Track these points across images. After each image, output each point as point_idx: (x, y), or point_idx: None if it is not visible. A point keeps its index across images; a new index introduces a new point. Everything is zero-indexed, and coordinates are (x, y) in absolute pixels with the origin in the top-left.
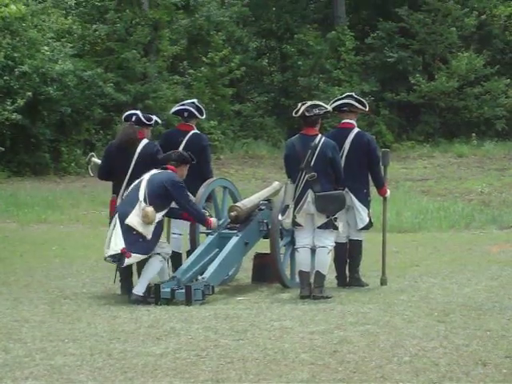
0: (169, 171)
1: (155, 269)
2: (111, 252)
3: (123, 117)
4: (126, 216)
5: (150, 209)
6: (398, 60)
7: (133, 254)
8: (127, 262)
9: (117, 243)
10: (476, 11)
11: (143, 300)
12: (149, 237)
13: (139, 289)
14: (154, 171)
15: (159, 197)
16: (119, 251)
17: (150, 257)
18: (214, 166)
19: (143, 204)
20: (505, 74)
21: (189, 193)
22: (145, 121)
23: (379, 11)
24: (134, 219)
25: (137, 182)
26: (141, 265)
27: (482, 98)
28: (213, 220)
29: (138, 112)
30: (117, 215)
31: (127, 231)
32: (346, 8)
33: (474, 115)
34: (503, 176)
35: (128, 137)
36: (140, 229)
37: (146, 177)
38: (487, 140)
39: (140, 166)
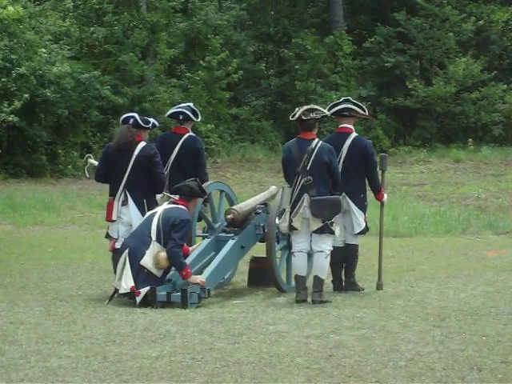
0: (181, 207)
1: None
2: (123, 291)
3: (121, 119)
4: (138, 254)
5: (163, 255)
6: (395, 65)
7: (141, 290)
8: (138, 299)
9: (127, 282)
10: (474, 17)
11: None
12: (159, 275)
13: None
14: (166, 206)
15: (169, 233)
16: (129, 290)
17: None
18: (210, 170)
19: (157, 245)
20: (502, 79)
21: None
22: (142, 124)
23: (377, 16)
24: (149, 261)
25: (149, 214)
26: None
27: (479, 103)
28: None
29: (136, 115)
30: (127, 251)
31: (138, 269)
32: (343, 12)
33: (471, 120)
34: (500, 181)
35: (125, 139)
36: (153, 270)
37: (158, 211)
38: (484, 145)
39: (137, 169)
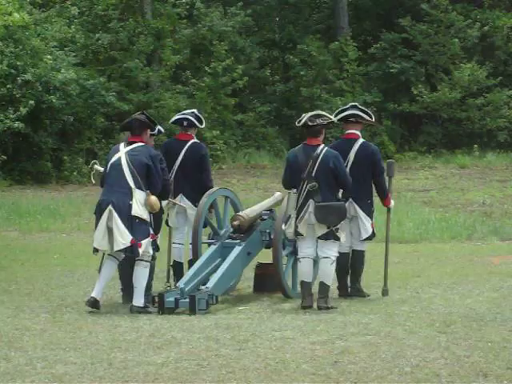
0: (141, 145)
1: (144, 275)
2: (120, 246)
3: None
4: (124, 206)
5: (154, 198)
6: (400, 71)
7: (142, 242)
8: (141, 251)
9: (123, 236)
10: (479, 22)
11: (144, 310)
12: (148, 219)
13: (138, 299)
14: (127, 149)
15: (145, 176)
16: (129, 244)
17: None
18: (216, 176)
19: (138, 191)
20: (507, 85)
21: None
22: None
23: (382, 22)
24: (138, 209)
25: (111, 165)
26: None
27: (485, 109)
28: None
29: None
30: (110, 207)
31: (131, 221)
32: (348, 18)
33: (477, 126)
34: (505, 187)
35: None
36: (144, 216)
37: (121, 157)
38: (489, 151)
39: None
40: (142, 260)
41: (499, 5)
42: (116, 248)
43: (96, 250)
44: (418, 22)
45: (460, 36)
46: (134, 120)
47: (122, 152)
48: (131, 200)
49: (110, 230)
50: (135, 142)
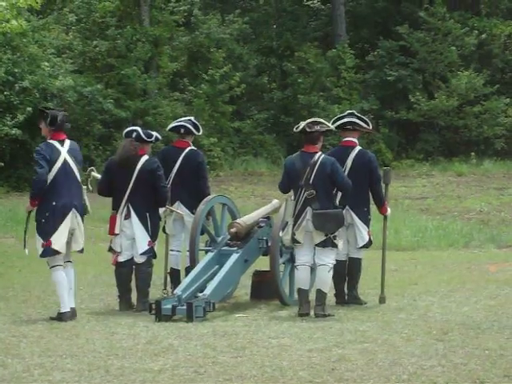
0: (73, 141)
1: (73, 276)
2: (80, 246)
3: (124, 133)
4: (81, 206)
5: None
6: (397, 78)
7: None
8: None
9: (83, 237)
10: (476, 30)
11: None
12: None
13: (69, 303)
14: (67, 148)
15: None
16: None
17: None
18: (213, 183)
19: (84, 187)
20: (504, 93)
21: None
22: (145, 137)
23: (379, 30)
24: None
25: (61, 163)
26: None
27: (482, 117)
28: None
29: (139, 128)
30: (74, 211)
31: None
32: (346, 26)
33: (474, 134)
34: (502, 195)
35: (128, 153)
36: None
37: (67, 157)
38: (486, 159)
39: (140, 183)
40: (70, 261)
41: (496, 13)
42: (77, 248)
43: (56, 253)
44: (416, 29)
45: (457, 44)
46: (64, 116)
47: (64, 152)
48: (83, 199)
49: (71, 232)
50: (66, 139)
